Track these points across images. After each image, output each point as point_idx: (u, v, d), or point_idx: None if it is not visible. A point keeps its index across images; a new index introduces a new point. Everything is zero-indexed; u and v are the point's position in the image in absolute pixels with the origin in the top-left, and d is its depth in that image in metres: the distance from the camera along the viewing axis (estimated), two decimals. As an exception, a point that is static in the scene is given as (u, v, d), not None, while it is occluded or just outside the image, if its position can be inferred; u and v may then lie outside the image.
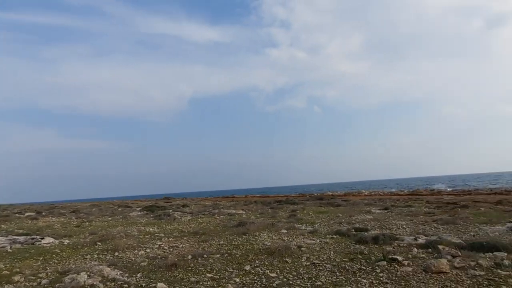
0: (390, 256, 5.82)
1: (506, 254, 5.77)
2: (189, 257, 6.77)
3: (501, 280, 4.56)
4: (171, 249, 7.90)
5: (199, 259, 6.64)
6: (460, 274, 4.93)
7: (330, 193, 38.14)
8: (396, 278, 4.90)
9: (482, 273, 4.89)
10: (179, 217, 15.10)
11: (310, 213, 14.36)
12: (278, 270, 5.60)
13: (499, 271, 4.94)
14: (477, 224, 9.51)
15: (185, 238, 9.43)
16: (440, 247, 6.31)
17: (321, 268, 5.59)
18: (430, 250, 6.41)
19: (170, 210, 18.86)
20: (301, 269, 5.62)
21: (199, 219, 14.13)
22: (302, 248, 7.09)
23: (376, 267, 5.44)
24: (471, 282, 4.57)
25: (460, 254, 5.85)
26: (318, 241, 7.96)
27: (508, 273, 4.84)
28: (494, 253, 5.84)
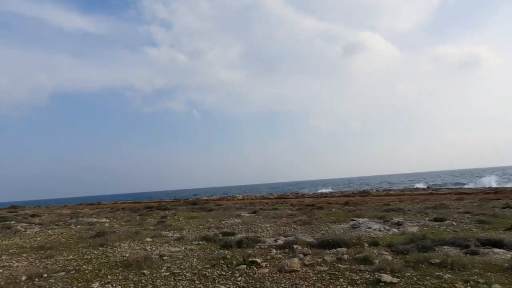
0: (250, 259, 5.95)
1: (346, 249, 6.59)
2: (23, 278, 5.60)
3: (340, 274, 5.12)
4: (0, 270, 6.39)
5: (37, 279, 5.55)
6: (308, 271, 5.35)
7: (205, 198, 38.29)
8: (253, 281, 4.99)
9: (326, 268, 5.41)
10: (23, 230, 12.57)
11: (181, 219, 13.93)
12: (132, 285, 5.05)
13: (339, 265, 5.56)
14: (328, 223, 10.75)
15: (24, 255, 7.82)
16: (295, 246, 6.82)
17: (180, 278, 5.30)
18: (287, 250, 6.85)
19: (13, 222, 15.62)
20: (159, 280, 5.21)
21: (49, 231, 12.05)
22: (164, 257, 6.66)
23: (236, 272, 5.46)
24: (317, 278, 4.99)
25: (310, 252, 6.42)
26: (183, 248, 7.64)
27: (346, 266, 5.48)
28: (337, 249, 6.60)
